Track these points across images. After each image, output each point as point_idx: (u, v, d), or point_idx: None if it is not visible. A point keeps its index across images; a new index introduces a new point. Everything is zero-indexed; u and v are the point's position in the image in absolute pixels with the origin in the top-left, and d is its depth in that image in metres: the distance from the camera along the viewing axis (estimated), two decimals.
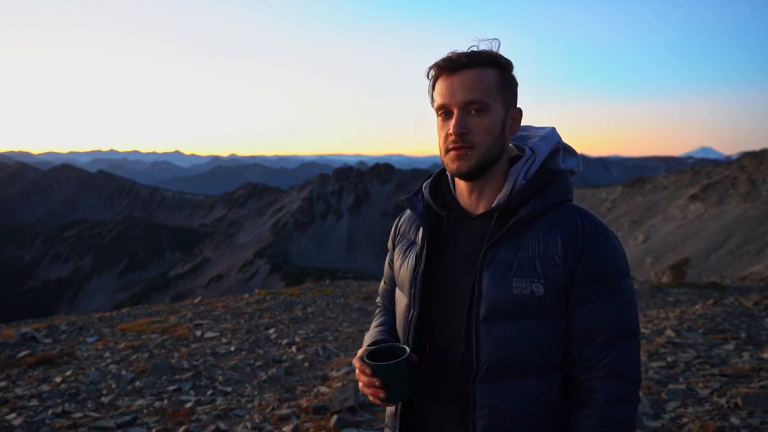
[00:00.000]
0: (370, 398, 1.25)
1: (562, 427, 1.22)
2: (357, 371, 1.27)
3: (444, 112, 1.24)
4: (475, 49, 1.22)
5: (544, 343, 1.19)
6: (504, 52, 1.25)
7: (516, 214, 1.22)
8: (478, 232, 1.27)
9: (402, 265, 1.39)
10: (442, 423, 1.26)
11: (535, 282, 1.17)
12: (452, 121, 1.20)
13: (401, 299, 1.39)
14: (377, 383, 1.21)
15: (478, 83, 1.19)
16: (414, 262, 1.34)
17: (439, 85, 1.23)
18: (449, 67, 1.21)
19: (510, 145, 1.34)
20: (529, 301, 1.17)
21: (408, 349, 1.23)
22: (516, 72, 1.27)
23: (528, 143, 1.33)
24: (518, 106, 1.31)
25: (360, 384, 1.27)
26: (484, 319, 1.19)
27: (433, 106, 1.27)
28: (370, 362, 1.22)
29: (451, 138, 1.21)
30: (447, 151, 1.23)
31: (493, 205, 1.26)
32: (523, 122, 1.38)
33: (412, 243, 1.39)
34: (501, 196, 1.25)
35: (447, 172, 1.35)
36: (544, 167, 1.30)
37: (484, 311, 1.19)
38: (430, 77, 1.26)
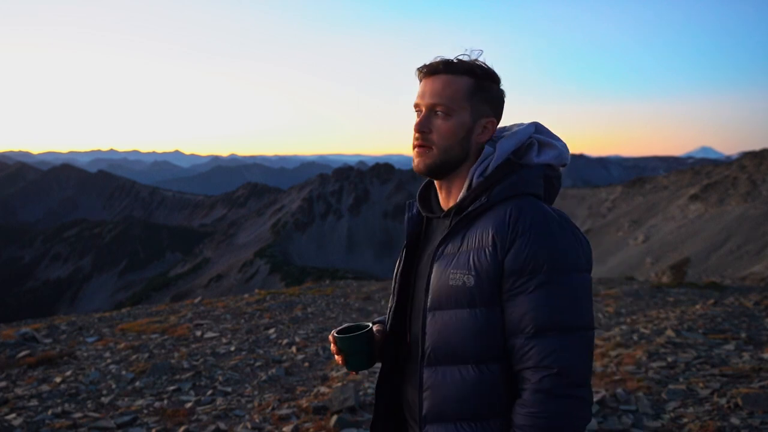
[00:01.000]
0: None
1: (504, 417, 1.24)
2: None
3: (418, 110, 1.33)
4: (463, 58, 1.30)
5: (479, 332, 1.22)
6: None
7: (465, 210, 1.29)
8: (442, 229, 1.36)
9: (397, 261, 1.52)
10: (411, 403, 1.38)
11: (466, 274, 1.23)
12: (418, 120, 1.32)
13: None
14: (336, 351, 1.40)
15: (446, 88, 1.28)
16: (399, 261, 1.49)
17: (419, 87, 1.34)
18: (427, 71, 1.31)
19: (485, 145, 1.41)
20: (462, 291, 1.23)
21: (370, 326, 1.43)
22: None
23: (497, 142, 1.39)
24: (500, 117, 1.37)
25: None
26: (429, 309, 1.29)
27: None
28: (335, 335, 1.40)
29: (415, 135, 1.31)
30: (413, 147, 1.33)
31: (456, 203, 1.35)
32: (524, 120, 1.45)
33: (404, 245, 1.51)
34: (461, 194, 1.33)
35: None
36: (512, 162, 1.32)
37: (429, 301, 1.29)
38: (418, 78, 1.36)
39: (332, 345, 1.43)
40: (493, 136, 1.40)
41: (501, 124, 1.41)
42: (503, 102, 1.36)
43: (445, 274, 1.26)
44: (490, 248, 1.21)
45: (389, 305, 1.49)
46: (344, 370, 6.34)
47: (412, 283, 1.42)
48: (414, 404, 1.36)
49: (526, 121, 1.42)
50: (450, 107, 1.27)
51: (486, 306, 1.22)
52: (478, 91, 1.29)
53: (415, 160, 1.33)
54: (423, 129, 1.29)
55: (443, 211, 1.39)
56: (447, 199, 1.38)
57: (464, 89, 1.28)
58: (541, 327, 1.17)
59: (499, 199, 1.26)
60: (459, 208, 1.31)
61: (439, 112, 1.29)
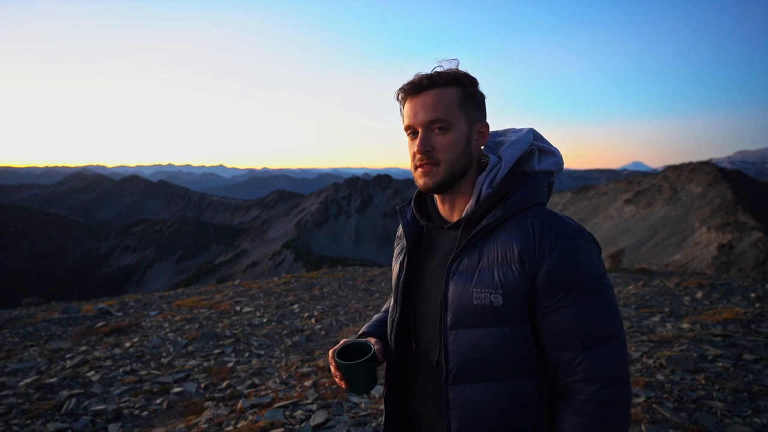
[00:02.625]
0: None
1: (536, 427, 1.02)
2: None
3: (411, 132, 1.06)
4: (439, 69, 1.04)
5: (509, 350, 0.99)
6: (482, 83, 1.11)
7: (479, 224, 1.03)
8: (448, 242, 1.09)
9: (393, 268, 1.23)
10: (428, 417, 1.12)
11: (493, 293, 0.98)
12: (417, 140, 1.04)
13: (391, 298, 1.25)
14: (340, 376, 1.13)
15: (438, 103, 1.01)
16: (398, 269, 1.19)
17: (406, 108, 1.06)
18: (412, 89, 1.04)
19: (482, 151, 1.13)
20: (489, 310, 0.98)
21: (373, 350, 1.13)
22: (489, 100, 1.14)
23: (499, 150, 1.12)
24: (486, 119, 1.10)
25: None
26: (450, 327, 1.02)
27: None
28: (336, 360, 1.13)
29: (418, 156, 1.04)
30: (416, 168, 1.06)
31: (462, 215, 1.07)
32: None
33: (403, 248, 1.20)
34: (468, 206, 1.06)
35: None
36: (516, 171, 1.07)
37: (450, 320, 1.02)
38: (399, 100, 1.08)
39: (332, 366, 1.14)
40: (489, 142, 1.15)
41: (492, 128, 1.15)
42: (485, 103, 1.10)
43: (467, 292, 1.00)
44: (517, 265, 0.98)
45: (392, 315, 1.20)
46: (353, 337, 6.32)
47: (414, 292, 1.14)
48: (425, 415, 1.13)
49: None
50: (447, 120, 1.01)
51: (515, 324, 0.99)
52: (468, 99, 1.04)
53: (422, 180, 1.05)
54: (426, 148, 1.02)
55: (446, 221, 1.12)
56: (451, 210, 1.11)
57: (456, 100, 1.03)
58: (589, 339, 0.96)
59: (514, 211, 1.02)
60: (470, 220, 1.05)
61: (436, 128, 1.02)
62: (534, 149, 1.11)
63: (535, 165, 1.09)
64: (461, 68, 1.06)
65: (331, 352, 1.16)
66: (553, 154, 1.11)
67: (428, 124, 1.03)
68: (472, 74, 1.07)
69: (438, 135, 1.03)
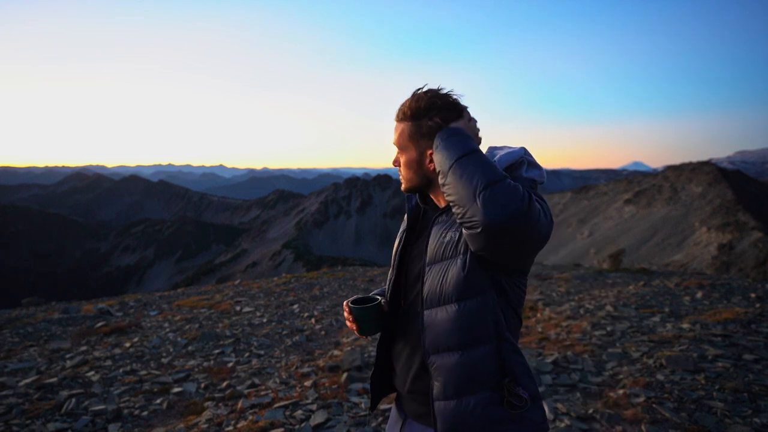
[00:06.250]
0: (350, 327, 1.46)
1: (488, 339, 1.22)
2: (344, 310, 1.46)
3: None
4: (417, 94, 1.34)
5: (459, 275, 1.23)
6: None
7: None
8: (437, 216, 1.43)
9: (395, 242, 1.52)
10: (409, 354, 1.37)
11: (455, 230, 1.26)
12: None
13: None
14: (352, 320, 1.40)
15: (397, 133, 1.37)
16: (398, 241, 1.49)
17: None
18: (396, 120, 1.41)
19: None
20: (451, 244, 1.25)
21: (379, 300, 1.43)
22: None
23: (495, 157, 1.37)
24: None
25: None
26: (427, 263, 1.30)
27: None
28: (350, 305, 1.40)
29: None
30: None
31: None
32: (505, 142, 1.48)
33: (405, 228, 1.52)
34: None
35: None
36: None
37: (427, 257, 1.31)
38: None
39: (346, 313, 1.43)
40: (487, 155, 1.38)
41: (492, 144, 1.41)
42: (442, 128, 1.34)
43: (440, 234, 1.29)
44: None
45: (389, 277, 1.48)
46: (353, 337, 6.33)
47: (407, 259, 1.42)
48: (403, 354, 1.38)
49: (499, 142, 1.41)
50: (400, 147, 1.36)
51: (465, 253, 1.22)
52: (416, 131, 1.33)
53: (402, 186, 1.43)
54: (395, 164, 1.41)
55: (439, 207, 1.41)
56: (443, 200, 1.38)
57: (406, 132, 1.34)
58: None
59: None
60: None
61: (399, 150, 1.38)
62: (525, 161, 1.35)
63: (522, 173, 1.33)
64: (441, 92, 1.32)
65: (345, 303, 1.43)
66: (538, 168, 1.36)
67: (396, 146, 1.40)
68: (435, 101, 1.32)
69: (401, 155, 1.38)
